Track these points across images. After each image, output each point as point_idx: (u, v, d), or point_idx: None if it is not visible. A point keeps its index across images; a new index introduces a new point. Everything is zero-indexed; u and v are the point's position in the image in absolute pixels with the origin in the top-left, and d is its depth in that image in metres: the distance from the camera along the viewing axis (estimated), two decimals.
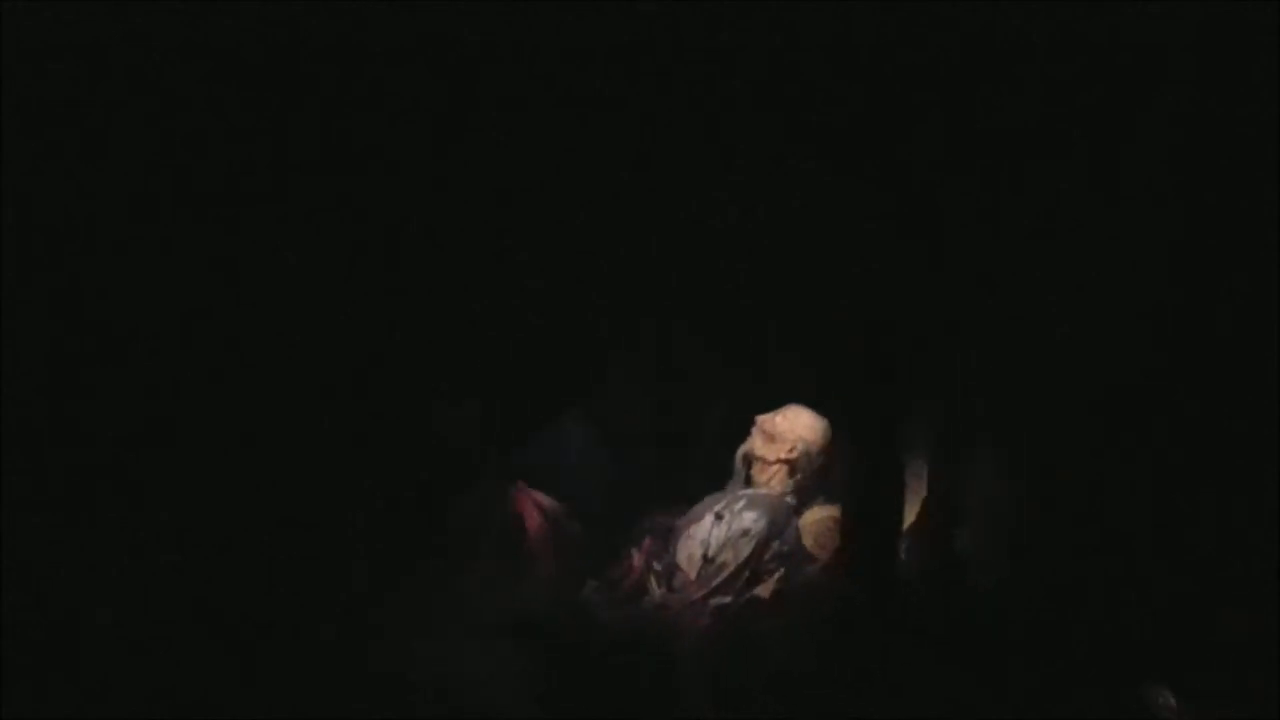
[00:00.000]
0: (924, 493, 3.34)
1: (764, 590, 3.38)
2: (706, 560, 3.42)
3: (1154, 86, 3.13)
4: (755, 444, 3.62)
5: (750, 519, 3.46)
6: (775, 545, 3.43)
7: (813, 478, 3.57)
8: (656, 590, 3.42)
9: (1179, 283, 3.17)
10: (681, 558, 3.45)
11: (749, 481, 3.60)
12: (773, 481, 3.57)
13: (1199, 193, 3.13)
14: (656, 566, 3.46)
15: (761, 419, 3.63)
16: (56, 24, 3.02)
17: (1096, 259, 3.21)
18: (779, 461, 3.58)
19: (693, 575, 3.42)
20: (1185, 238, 3.16)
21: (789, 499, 3.54)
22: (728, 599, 3.37)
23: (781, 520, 3.48)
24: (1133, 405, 3.19)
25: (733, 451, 3.64)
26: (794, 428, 3.60)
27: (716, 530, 3.46)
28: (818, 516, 3.50)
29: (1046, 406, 3.29)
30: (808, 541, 3.45)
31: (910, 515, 3.35)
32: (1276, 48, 3.03)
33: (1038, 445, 3.31)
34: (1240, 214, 3.10)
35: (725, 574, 3.40)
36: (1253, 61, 3.04)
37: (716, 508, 3.52)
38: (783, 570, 3.40)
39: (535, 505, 3.46)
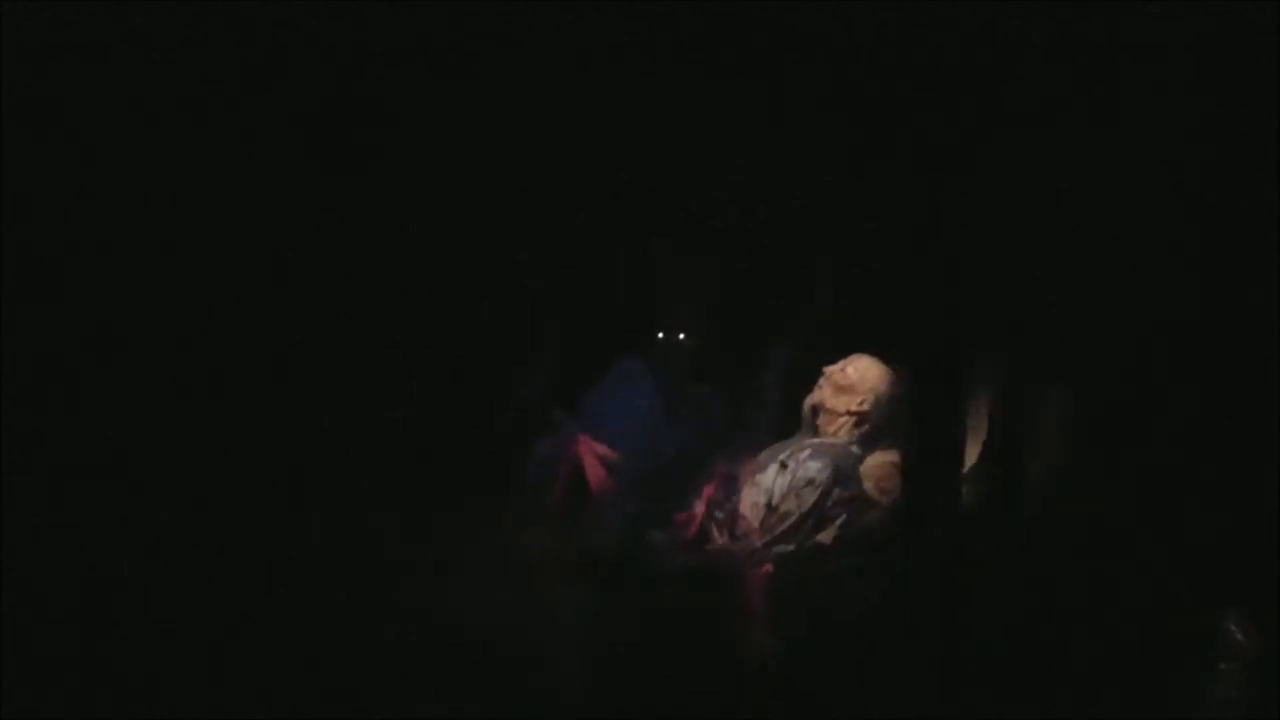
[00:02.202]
0: (985, 434, 3.31)
1: (825, 537, 3.37)
2: (770, 508, 3.42)
3: (1154, 86, 3.10)
4: (824, 395, 3.59)
5: (815, 468, 3.44)
6: (837, 492, 3.41)
7: (878, 426, 3.54)
8: (718, 537, 3.44)
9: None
10: (745, 505, 3.45)
11: (816, 431, 3.59)
12: (840, 431, 3.55)
13: (1199, 192, 3.08)
14: (719, 514, 3.47)
15: (831, 370, 3.60)
16: (57, 24, 3.15)
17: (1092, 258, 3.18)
18: (849, 413, 3.56)
19: (756, 523, 3.42)
20: (1184, 237, 3.10)
21: (854, 448, 3.51)
22: (791, 547, 3.37)
23: (846, 469, 3.45)
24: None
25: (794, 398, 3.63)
26: (865, 379, 3.57)
27: (781, 479, 3.45)
28: (879, 461, 3.46)
29: (1110, 350, 3.25)
30: (869, 486, 3.42)
31: (971, 457, 3.33)
32: (1276, 48, 2.98)
33: (1098, 389, 3.26)
34: (1240, 214, 3.04)
35: (788, 523, 3.38)
36: (1253, 61, 2.99)
37: (781, 456, 3.50)
38: (844, 516, 3.39)
39: (597, 458, 3.50)
